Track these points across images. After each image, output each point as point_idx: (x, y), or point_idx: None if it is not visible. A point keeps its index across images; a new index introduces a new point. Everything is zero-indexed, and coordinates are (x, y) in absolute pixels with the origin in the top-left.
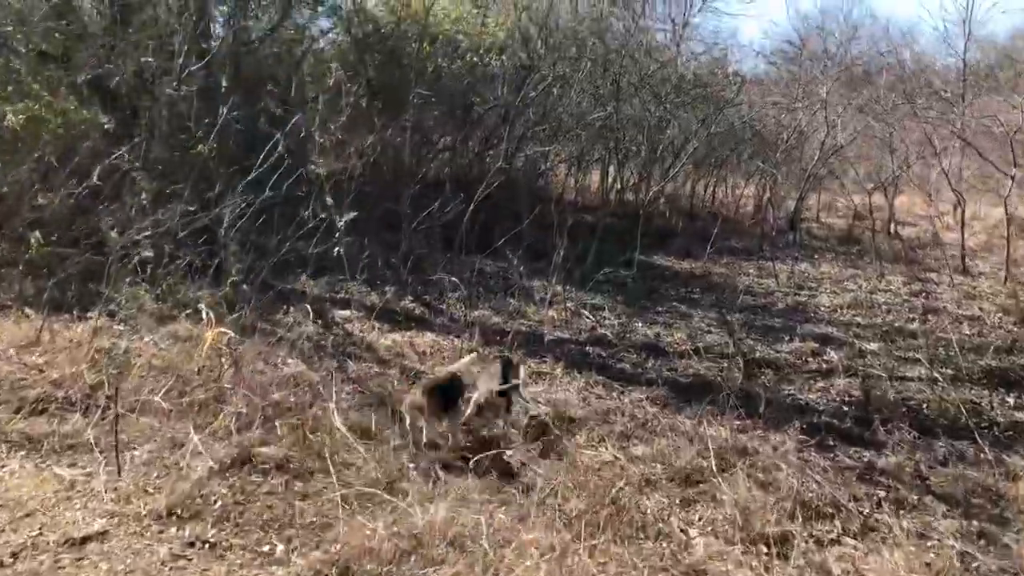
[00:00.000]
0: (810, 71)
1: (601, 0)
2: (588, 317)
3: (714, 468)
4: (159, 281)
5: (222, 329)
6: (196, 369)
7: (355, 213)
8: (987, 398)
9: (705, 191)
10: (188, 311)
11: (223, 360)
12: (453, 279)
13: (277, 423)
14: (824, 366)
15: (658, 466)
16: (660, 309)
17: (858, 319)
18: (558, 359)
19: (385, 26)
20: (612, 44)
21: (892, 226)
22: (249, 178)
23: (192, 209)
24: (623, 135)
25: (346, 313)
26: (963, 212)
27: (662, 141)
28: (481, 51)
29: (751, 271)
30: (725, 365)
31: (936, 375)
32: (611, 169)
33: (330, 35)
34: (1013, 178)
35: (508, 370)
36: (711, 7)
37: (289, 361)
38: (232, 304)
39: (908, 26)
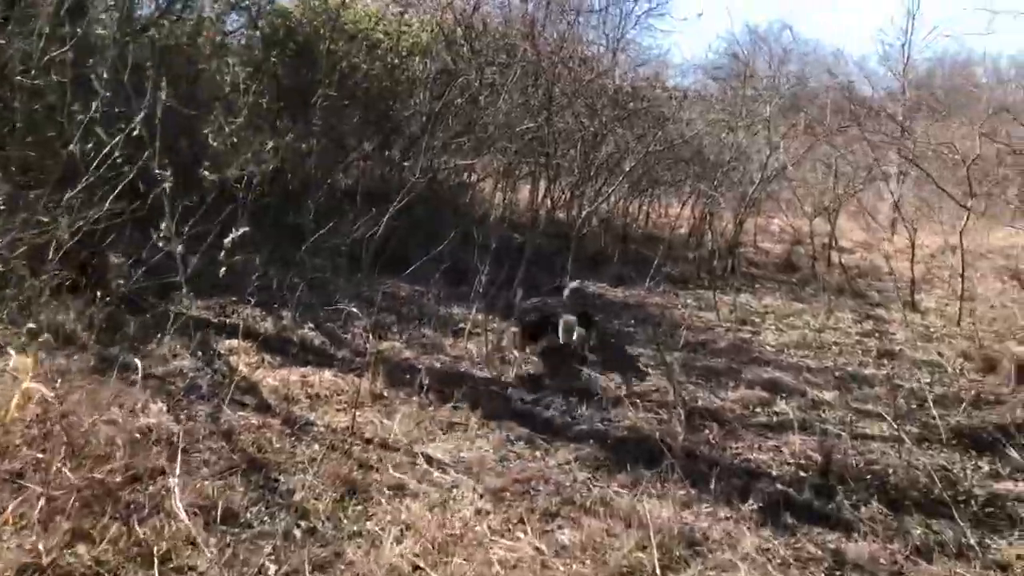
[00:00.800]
0: (755, 89)
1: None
2: (513, 353)
3: (657, 567)
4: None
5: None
6: None
7: (246, 228)
8: (959, 463)
9: (639, 211)
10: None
11: (47, 415)
12: (359, 304)
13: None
14: (775, 419)
15: (588, 562)
16: (592, 344)
17: (808, 361)
18: (475, 405)
19: (296, 20)
20: (544, 50)
21: (833, 254)
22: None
23: (46, 219)
24: (555, 149)
25: (233, 343)
26: (913, 243)
27: (597, 157)
28: (403, 52)
29: (689, 301)
30: (665, 416)
31: (901, 434)
32: (542, 185)
33: (241, 28)
34: (970, 209)
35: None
36: (646, 24)
37: (152, 407)
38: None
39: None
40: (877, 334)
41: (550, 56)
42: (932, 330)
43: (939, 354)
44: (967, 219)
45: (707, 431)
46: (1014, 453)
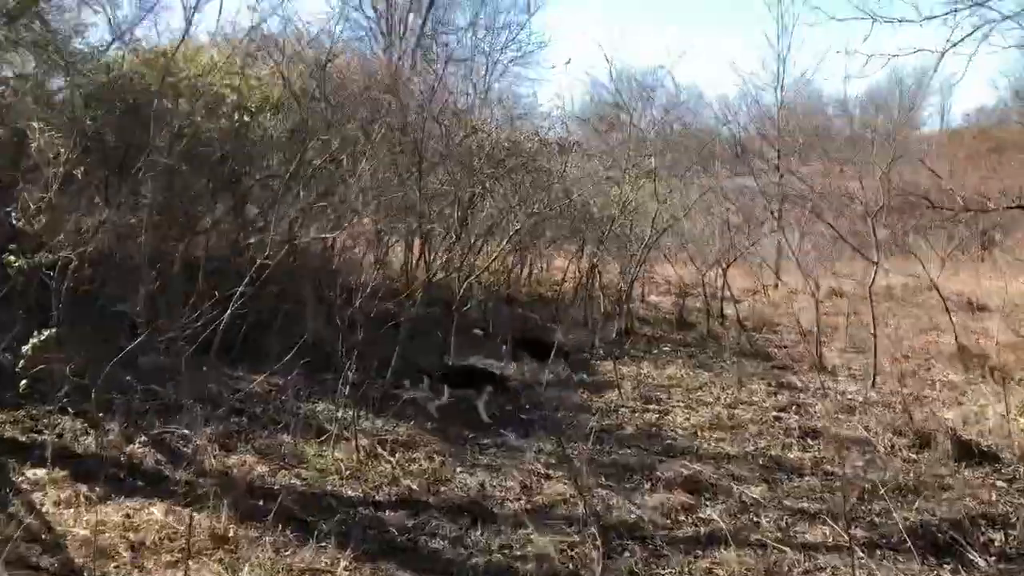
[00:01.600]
0: (641, 134)
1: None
2: (388, 461)
3: None
4: None
5: None
6: None
7: (54, 328)
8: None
9: (523, 271)
10: None
11: None
12: (204, 407)
13: None
14: (703, 529)
15: None
16: (484, 441)
17: (726, 447)
18: (345, 540)
19: (122, 74)
20: (411, 104)
21: (728, 308)
22: None
23: None
24: (429, 212)
25: (40, 473)
26: (817, 297)
27: (475, 219)
28: (252, 108)
29: (585, 376)
30: (576, 537)
31: (851, 544)
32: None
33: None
34: (877, 263)
35: None
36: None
37: None
38: None
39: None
40: (795, 407)
41: (418, 111)
42: (849, 396)
43: (865, 429)
44: (875, 273)
45: (627, 554)
46: (977, 557)
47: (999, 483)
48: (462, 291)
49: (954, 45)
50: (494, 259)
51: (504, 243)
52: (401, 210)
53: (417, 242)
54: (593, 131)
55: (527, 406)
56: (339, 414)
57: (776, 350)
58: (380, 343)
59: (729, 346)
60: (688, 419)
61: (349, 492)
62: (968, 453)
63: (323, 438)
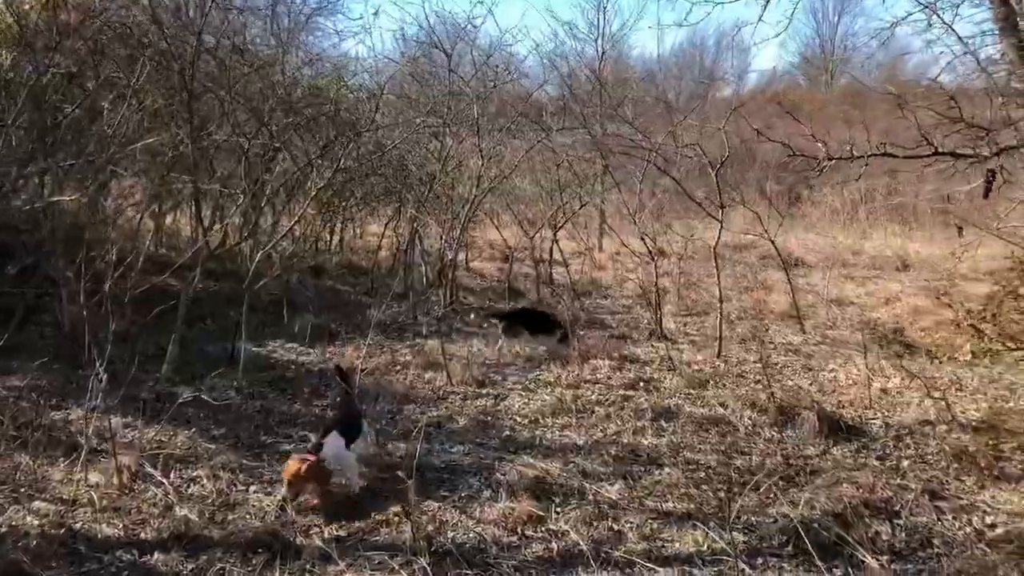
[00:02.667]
0: (463, 82)
1: None
2: (160, 484)
3: None
4: None
5: None
6: None
7: None
8: None
9: (332, 237)
10: None
11: None
12: None
13: None
14: (555, 546)
15: None
16: (285, 448)
17: (573, 436)
18: None
19: None
20: (182, 35)
21: (554, 274)
22: None
23: None
24: (210, 168)
25: None
26: (654, 257)
27: (270, 178)
28: None
29: (407, 355)
30: (402, 574)
31: (725, 547)
32: (207, 213)
33: None
34: (722, 222)
35: None
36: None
37: None
38: None
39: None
40: (643, 383)
41: (188, 43)
42: (696, 367)
43: (722, 405)
44: (720, 232)
45: None
46: (867, 557)
47: (872, 462)
48: (256, 263)
49: None
50: (294, 224)
51: (306, 206)
52: (175, 166)
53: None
54: (408, 76)
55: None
56: (94, 417)
57: (610, 317)
58: (154, 329)
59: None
60: (527, 404)
61: (105, 530)
62: (833, 428)
63: (74, 457)
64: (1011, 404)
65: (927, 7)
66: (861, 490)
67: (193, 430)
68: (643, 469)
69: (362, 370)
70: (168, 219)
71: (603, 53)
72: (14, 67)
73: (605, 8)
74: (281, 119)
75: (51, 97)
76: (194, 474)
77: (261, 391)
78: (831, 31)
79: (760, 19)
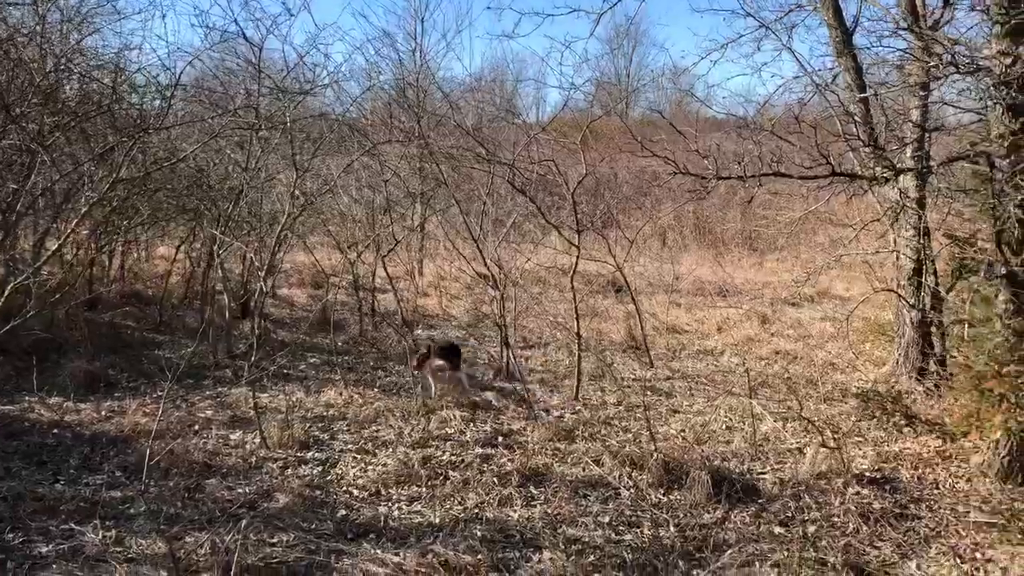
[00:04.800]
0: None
1: None
2: None
3: None
4: None
5: None
6: None
7: None
8: None
9: (111, 262)
10: None
11: None
12: None
13: None
14: None
15: None
16: (44, 552)
17: (425, 511)
18: None
19: None
20: None
21: (377, 303)
22: None
23: None
24: None
25: None
26: (500, 286)
27: (26, 189)
28: None
29: (208, 411)
30: None
31: None
32: None
33: None
34: (579, 248)
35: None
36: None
37: None
38: None
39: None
40: (501, 437)
41: None
42: (559, 415)
43: (596, 463)
44: (576, 260)
45: None
46: None
47: (775, 529)
48: (6, 294)
49: (612, 6)
50: (59, 246)
51: (75, 225)
52: None
53: None
54: (207, 73)
55: (118, 473)
56: None
57: (468, 360)
58: None
59: (394, 353)
60: (365, 471)
61: None
62: (721, 485)
63: None
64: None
65: (765, 26)
66: (780, 571)
67: None
68: (519, 555)
69: (148, 432)
70: None
71: (420, 66)
72: None
73: (423, 20)
74: (41, 116)
75: None
76: None
77: (9, 467)
78: (626, 62)
79: (591, 34)
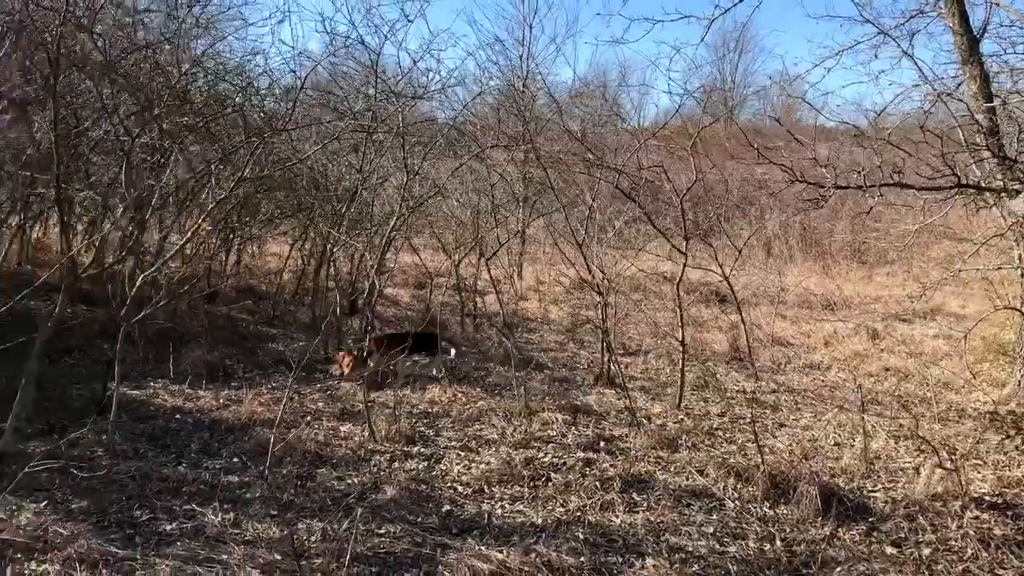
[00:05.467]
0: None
1: None
2: None
3: None
4: None
5: None
6: None
7: None
8: None
9: (228, 257)
10: None
11: None
12: None
13: None
14: None
15: None
16: (166, 527)
17: (527, 510)
18: None
19: None
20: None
21: (478, 304)
22: None
23: None
24: (84, 170)
25: None
26: (604, 294)
27: (157, 186)
28: None
29: (319, 403)
30: None
31: None
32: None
33: None
34: (686, 254)
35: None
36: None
37: None
38: None
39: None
40: (603, 442)
41: (53, 10)
42: (661, 423)
43: (700, 472)
44: (684, 267)
45: None
46: None
47: (887, 549)
48: (137, 285)
49: (724, 12)
50: (186, 241)
51: (201, 221)
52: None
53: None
54: (328, 77)
55: (235, 459)
56: None
57: (543, 355)
58: (4, 363)
59: (495, 354)
60: (469, 468)
61: None
62: (830, 502)
63: None
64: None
65: (884, 33)
66: None
67: (45, 503)
68: (621, 560)
69: (264, 421)
70: (36, 231)
71: (526, 72)
72: None
73: (531, 26)
74: (175, 115)
75: None
76: (40, 569)
77: (137, 448)
78: (731, 68)
79: (702, 40)
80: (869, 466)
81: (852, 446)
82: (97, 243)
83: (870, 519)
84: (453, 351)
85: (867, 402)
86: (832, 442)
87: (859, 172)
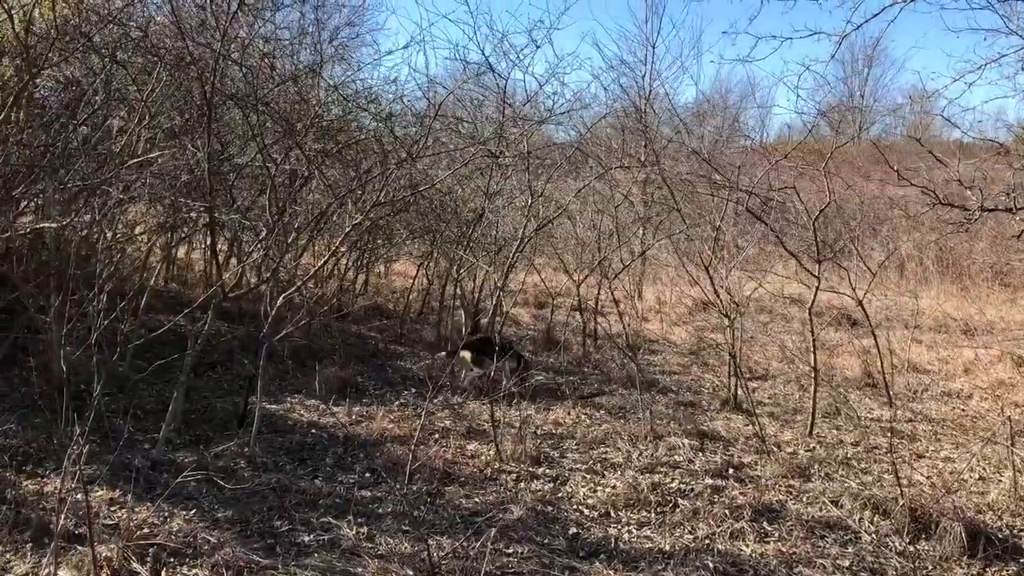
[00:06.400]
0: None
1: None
2: None
3: None
4: None
5: None
6: None
7: None
8: None
9: (356, 277)
10: None
11: None
12: None
13: None
14: None
15: None
16: (304, 539)
17: (654, 537)
18: None
19: None
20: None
21: (599, 325)
22: None
23: None
24: (229, 195)
25: None
26: (733, 319)
27: (297, 210)
28: None
29: (445, 419)
30: None
31: None
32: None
33: None
34: (819, 277)
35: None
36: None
37: None
38: None
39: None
40: (731, 469)
41: (208, 47)
42: (792, 451)
43: (834, 503)
44: (816, 291)
45: None
46: None
47: None
48: (278, 305)
49: (857, 28)
50: (324, 262)
51: (339, 243)
52: (198, 193)
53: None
54: (457, 102)
55: (367, 474)
56: (74, 493)
57: (667, 378)
58: (156, 376)
59: (618, 376)
60: (595, 491)
61: None
62: (976, 540)
63: (45, 542)
64: None
65: None
66: None
67: (193, 511)
68: None
69: (394, 438)
70: (180, 251)
71: (649, 92)
72: (17, 76)
73: (655, 45)
74: (313, 143)
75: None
76: (191, 574)
77: (276, 461)
78: (860, 82)
79: (832, 56)
80: (1020, 503)
81: (999, 481)
82: (243, 264)
83: (1019, 559)
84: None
85: (1017, 433)
86: (977, 476)
87: (1008, 194)
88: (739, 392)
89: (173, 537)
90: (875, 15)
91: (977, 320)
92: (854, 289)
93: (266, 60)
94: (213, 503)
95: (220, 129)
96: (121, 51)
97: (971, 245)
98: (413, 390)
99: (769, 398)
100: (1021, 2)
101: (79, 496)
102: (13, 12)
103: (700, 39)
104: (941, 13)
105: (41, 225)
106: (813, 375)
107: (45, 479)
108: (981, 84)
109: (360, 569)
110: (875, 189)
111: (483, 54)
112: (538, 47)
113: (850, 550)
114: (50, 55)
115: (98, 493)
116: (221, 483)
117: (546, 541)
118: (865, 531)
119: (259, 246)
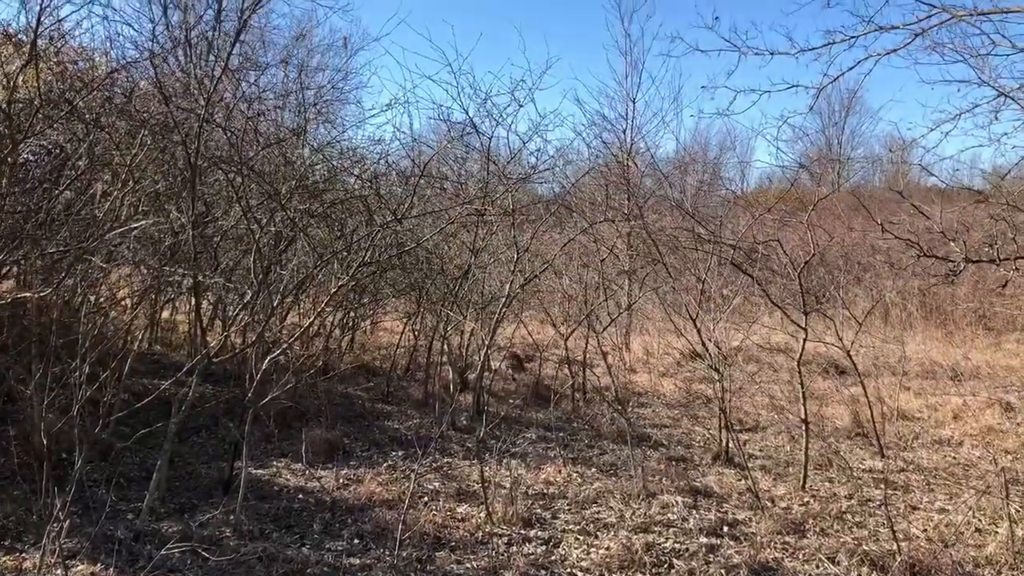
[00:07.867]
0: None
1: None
2: None
3: None
4: None
5: None
6: None
7: None
8: None
9: (342, 336)
10: None
11: None
12: None
13: None
14: None
15: None
16: None
17: None
18: None
19: None
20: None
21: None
22: None
23: None
24: (213, 257)
25: None
26: (721, 373)
27: (280, 271)
28: None
29: (435, 483)
30: None
31: None
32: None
33: None
34: (806, 329)
35: None
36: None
37: None
38: None
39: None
40: (726, 527)
41: (192, 111)
42: (786, 506)
43: (831, 560)
44: (804, 342)
45: None
46: None
47: None
48: (262, 368)
49: (833, 80)
50: (310, 324)
51: (325, 303)
52: (182, 257)
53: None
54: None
55: (356, 541)
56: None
57: (657, 432)
58: (140, 442)
59: (608, 431)
60: (588, 553)
61: None
62: None
63: None
64: None
65: (1005, 95)
66: None
67: None
68: None
69: (382, 502)
70: (164, 312)
71: (631, 146)
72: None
73: (635, 101)
74: (298, 203)
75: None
76: None
77: (263, 528)
78: (838, 132)
79: (810, 108)
80: (1017, 556)
81: (996, 533)
82: (228, 327)
83: None
84: None
85: (1008, 482)
86: (973, 528)
87: (991, 245)
88: (730, 446)
89: None
90: (850, 68)
91: (963, 365)
92: (840, 338)
93: (250, 123)
94: (198, 575)
95: (204, 191)
96: (105, 116)
97: (954, 291)
98: (401, 452)
99: (760, 450)
100: (992, 56)
101: (59, 573)
102: None
103: (679, 93)
104: (915, 67)
105: (23, 295)
106: (804, 428)
107: (24, 554)
108: (956, 134)
109: None
110: (857, 237)
111: (467, 113)
112: (521, 106)
113: None
114: (34, 122)
115: (79, 568)
116: (206, 554)
117: None
118: None
119: (244, 309)
